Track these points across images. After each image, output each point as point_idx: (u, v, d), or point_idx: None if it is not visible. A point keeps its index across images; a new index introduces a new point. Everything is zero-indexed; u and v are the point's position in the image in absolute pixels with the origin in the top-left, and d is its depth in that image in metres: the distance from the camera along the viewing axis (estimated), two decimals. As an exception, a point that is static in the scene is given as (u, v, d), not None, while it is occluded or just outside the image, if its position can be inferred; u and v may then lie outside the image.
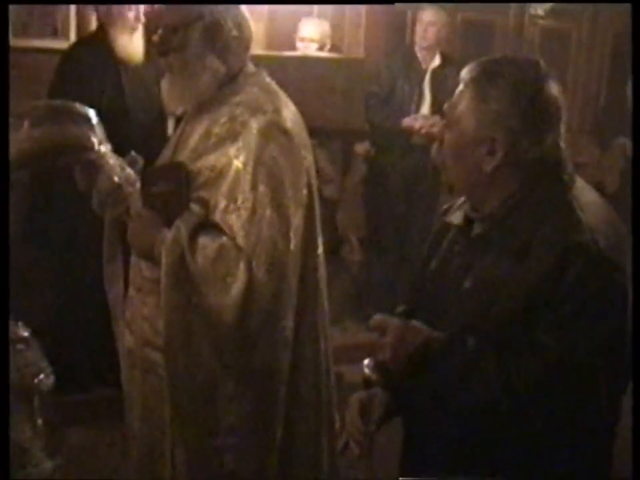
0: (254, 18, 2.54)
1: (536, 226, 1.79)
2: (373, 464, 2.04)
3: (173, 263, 2.31)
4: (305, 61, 4.19)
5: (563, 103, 1.84)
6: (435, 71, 5.44)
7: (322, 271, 2.60)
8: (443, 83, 5.30)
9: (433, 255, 2.06)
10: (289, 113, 2.46)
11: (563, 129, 1.84)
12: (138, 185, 2.46)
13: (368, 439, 2.02)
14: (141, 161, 2.62)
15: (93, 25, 4.69)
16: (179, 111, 2.59)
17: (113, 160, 2.52)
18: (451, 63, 5.39)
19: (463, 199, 2.03)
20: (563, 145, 1.85)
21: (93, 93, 3.94)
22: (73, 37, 4.92)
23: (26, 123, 2.43)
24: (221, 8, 2.43)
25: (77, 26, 4.98)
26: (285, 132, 2.39)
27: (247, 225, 2.30)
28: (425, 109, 5.42)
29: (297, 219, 2.38)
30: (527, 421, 1.76)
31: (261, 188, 2.31)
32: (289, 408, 2.49)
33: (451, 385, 1.82)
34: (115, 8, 4.11)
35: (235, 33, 2.44)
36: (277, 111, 2.41)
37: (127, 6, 4.09)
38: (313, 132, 2.69)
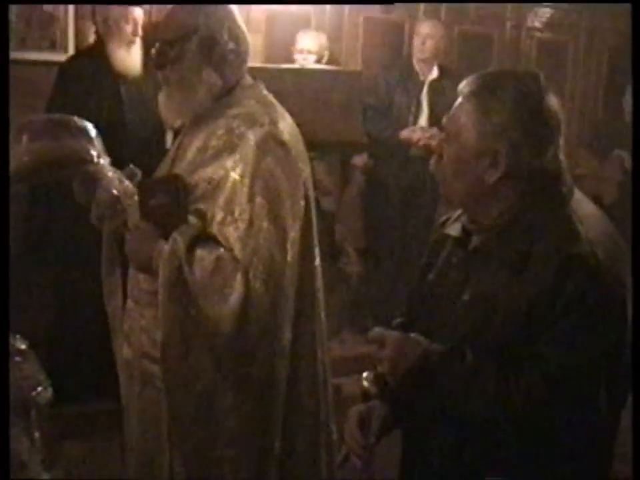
0: (252, 30, 2.56)
1: (534, 238, 1.79)
2: (373, 476, 2.04)
3: (170, 275, 2.31)
4: (303, 73, 4.19)
5: (562, 116, 1.85)
6: (432, 83, 5.46)
7: (319, 282, 2.61)
8: (440, 95, 5.32)
9: (431, 266, 2.06)
10: (286, 125, 2.47)
11: (562, 141, 1.85)
12: (136, 197, 2.46)
13: (368, 452, 2.02)
14: (139, 174, 2.63)
15: (91, 38, 4.71)
16: (177, 123, 2.60)
17: (111, 173, 2.52)
18: (448, 75, 5.41)
19: (460, 210, 2.04)
20: (562, 157, 1.86)
21: (92, 106, 3.95)
22: (71, 49, 4.93)
23: (25, 137, 2.43)
24: (217, 21, 2.44)
25: (75, 39, 4.99)
26: (282, 144, 2.39)
27: (244, 237, 2.30)
28: (423, 120, 5.44)
29: (293, 231, 2.38)
30: (526, 433, 1.76)
31: (258, 200, 2.32)
32: (287, 419, 2.48)
33: (450, 398, 1.82)
34: (113, 21, 4.12)
35: (231, 46, 2.45)
36: (274, 123, 2.42)
37: (124, 19, 4.11)
38: (311, 144, 2.70)
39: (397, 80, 5.45)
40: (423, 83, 5.46)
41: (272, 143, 2.37)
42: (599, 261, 1.74)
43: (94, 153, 2.51)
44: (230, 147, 2.37)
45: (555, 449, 1.76)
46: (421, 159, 5.14)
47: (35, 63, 4.74)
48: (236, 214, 2.31)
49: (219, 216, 2.33)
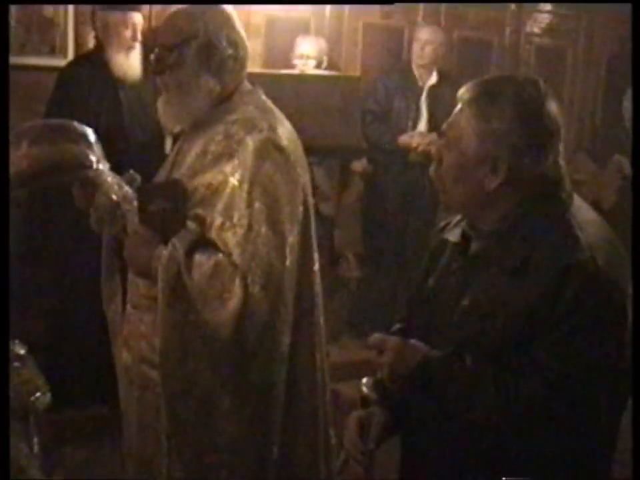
0: (251, 35, 2.56)
1: (534, 244, 1.79)
2: None
3: (169, 280, 2.31)
4: (302, 78, 4.20)
5: (562, 122, 1.85)
6: (431, 89, 5.47)
7: (318, 288, 2.61)
8: (439, 101, 5.33)
9: (430, 272, 2.06)
10: (285, 130, 2.47)
11: (561, 147, 1.85)
12: (135, 202, 2.46)
13: (367, 458, 2.02)
14: (138, 179, 2.63)
15: (91, 43, 4.71)
16: (176, 129, 2.61)
17: (110, 178, 2.52)
18: (447, 81, 5.42)
19: (460, 216, 2.04)
20: (562, 162, 1.86)
21: (91, 111, 3.96)
22: (70, 54, 4.93)
23: (24, 142, 2.43)
24: (215, 27, 2.44)
25: (75, 44, 5.00)
26: (281, 150, 2.40)
27: (242, 242, 2.30)
28: (422, 126, 5.45)
29: (292, 236, 2.39)
30: (526, 438, 1.76)
31: (257, 205, 2.32)
32: (285, 424, 2.48)
33: (449, 404, 1.82)
34: (112, 26, 4.13)
35: (230, 51, 2.45)
36: (273, 128, 2.42)
37: (123, 24, 4.11)
38: (310, 150, 2.70)
39: (396, 85, 5.45)
40: (422, 89, 5.47)
41: (270, 148, 2.38)
42: (599, 266, 1.74)
43: (93, 158, 2.51)
44: (229, 153, 2.37)
45: (554, 454, 1.76)
46: (419, 164, 5.15)
47: (34, 68, 4.74)
48: (235, 219, 2.31)
49: (218, 221, 2.33)
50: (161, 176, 2.61)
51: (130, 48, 4.14)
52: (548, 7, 6.64)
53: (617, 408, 1.83)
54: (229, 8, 2.55)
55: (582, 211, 1.88)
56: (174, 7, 2.57)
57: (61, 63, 4.63)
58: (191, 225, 2.36)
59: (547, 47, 6.72)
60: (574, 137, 6.46)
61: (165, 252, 2.32)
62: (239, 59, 2.49)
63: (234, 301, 2.28)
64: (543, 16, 6.66)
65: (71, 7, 4.93)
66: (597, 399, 1.75)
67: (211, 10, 2.48)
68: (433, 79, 5.49)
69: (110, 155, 2.62)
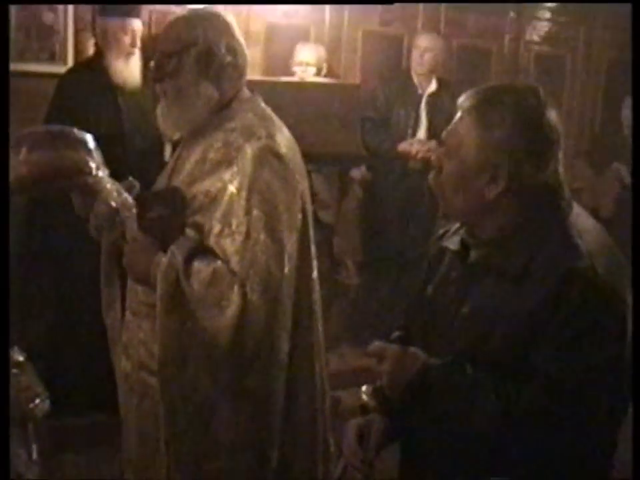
0: (251, 43, 2.57)
1: (534, 252, 1.79)
2: None
3: (168, 287, 2.31)
4: (301, 86, 4.21)
5: (561, 130, 1.85)
6: (431, 96, 5.47)
7: (317, 295, 2.61)
8: (439, 108, 5.34)
9: (430, 280, 2.06)
10: (283, 138, 2.47)
11: (561, 155, 1.85)
12: (134, 209, 2.47)
13: (367, 465, 2.01)
14: (137, 186, 2.63)
15: (91, 50, 4.72)
16: (175, 136, 2.61)
17: (110, 185, 2.53)
18: (447, 88, 5.43)
19: (459, 224, 2.04)
20: (561, 170, 1.86)
21: (90, 118, 3.95)
22: (70, 61, 4.94)
23: (24, 148, 2.43)
24: (214, 34, 2.44)
25: (75, 51, 5.01)
26: (279, 157, 2.40)
27: (240, 250, 2.30)
28: (422, 133, 5.45)
29: (290, 244, 2.39)
30: (526, 446, 1.76)
31: (255, 213, 2.32)
32: (284, 431, 2.48)
33: (449, 412, 1.82)
34: (111, 32, 4.13)
35: (229, 59, 2.46)
36: (271, 136, 2.42)
37: (122, 30, 4.12)
38: (309, 157, 2.70)
39: (395, 93, 5.46)
40: (421, 96, 5.48)
41: (269, 156, 2.38)
42: (598, 274, 1.74)
43: (93, 164, 2.51)
44: (227, 160, 2.37)
45: (554, 460, 1.76)
46: (419, 171, 5.16)
47: (34, 74, 4.75)
48: (233, 226, 2.32)
49: (216, 228, 2.33)
50: (160, 183, 2.61)
51: (129, 54, 4.15)
52: (547, 14, 6.66)
53: (617, 415, 1.83)
54: (228, 15, 2.56)
55: (581, 219, 1.88)
56: (174, 14, 2.57)
57: (61, 69, 4.64)
58: (189, 232, 2.36)
59: (546, 54, 6.73)
60: (573, 145, 6.46)
61: (163, 259, 2.32)
62: (238, 67, 2.49)
63: (232, 308, 2.28)
64: (542, 24, 6.68)
65: (70, 14, 4.94)
66: (597, 406, 1.74)
67: (210, 17, 2.49)
68: (433, 86, 5.50)
69: (109, 161, 2.62)
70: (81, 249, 3.67)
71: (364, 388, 2.02)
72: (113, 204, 2.51)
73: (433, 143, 5.17)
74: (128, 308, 2.58)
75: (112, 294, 2.66)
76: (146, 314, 2.46)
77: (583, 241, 1.79)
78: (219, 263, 2.30)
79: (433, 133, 5.29)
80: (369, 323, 5.36)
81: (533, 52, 6.68)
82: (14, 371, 2.15)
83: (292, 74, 5.16)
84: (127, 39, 4.13)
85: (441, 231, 2.15)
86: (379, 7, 5.93)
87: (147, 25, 5.00)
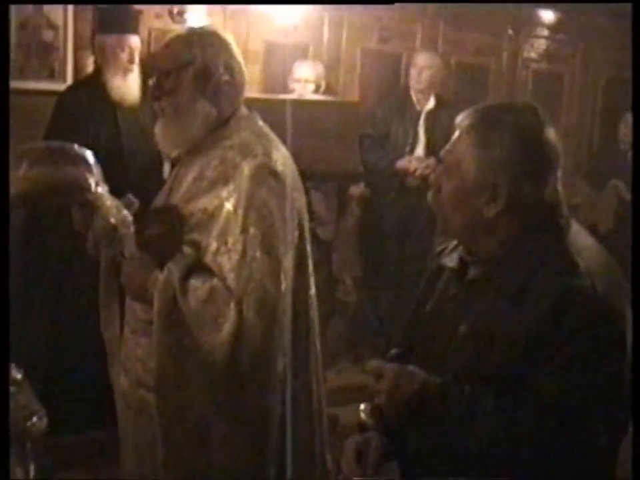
0: (249, 60, 2.58)
1: (532, 270, 1.79)
2: None
3: (164, 304, 2.32)
4: (300, 104, 4.21)
5: (560, 148, 1.86)
6: (429, 113, 5.49)
7: (314, 312, 2.61)
8: (437, 125, 5.36)
9: (427, 297, 2.06)
10: (280, 155, 2.48)
11: (560, 173, 1.86)
12: (132, 227, 2.47)
13: (365, 483, 2.00)
14: (136, 203, 2.63)
15: (90, 67, 4.74)
16: (173, 154, 2.61)
17: (109, 201, 2.53)
18: (445, 105, 5.45)
19: (457, 241, 2.04)
20: (559, 188, 1.86)
21: (89, 135, 3.96)
22: (69, 79, 4.96)
23: (24, 164, 2.44)
24: (212, 53, 2.46)
25: (74, 68, 5.03)
26: (276, 175, 2.40)
27: (237, 267, 2.31)
28: (420, 150, 5.47)
29: (287, 261, 2.39)
30: (525, 464, 1.75)
31: (252, 230, 2.33)
32: (281, 448, 2.48)
33: (448, 430, 1.81)
34: (109, 49, 4.15)
35: (226, 77, 2.47)
36: (268, 154, 2.43)
37: (120, 47, 4.13)
38: (307, 174, 2.71)
39: (393, 110, 5.48)
40: (419, 113, 5.50)
41: (266, 173, 2.38)
42: (598, 292, 1.73)
43: (92, 181, 2.51)
44: (224, 178, 2.38)
45: (555, 479, 1.75)
46: (417, 189, 5.16)
47: (33, 92, 4.76)
48: (229, 244, 2.32)
49: (213, 246, 2.34)
50: (158, 201, 2.61)
51: (127, 71, 4.15)
52: (545, 32, 6.69)
53: (616, 433, 1.82)
54: (227, 34, 2.57)
55: (580, 237, 1.88)
56: (173, 32, 2.59)
57: (60, 87, 4.65)
58: (187, 249, 2.37)
59: (544, 71, 6.76)
60: (571, 162, 6.48)
61: (160, 276, 2.33)
62: (236, 85, 2.50)
63: (228, 325, 2.28)
64: (540, 41, 6.71)
65: (70, 32, 4.97)
66: (596, 424, 1.74)
67: (208, 36, 2.50)
68: (431, 103, 5.52)
69: (108, 178, 2.63)
70: (80, 264, 3.67)
71: (362, 406, 2.01)
72: (112, 220, 2.51)
73: (431, 160, 5.18)
74: (126, 325, 2.58)
75: (110, 310, 2.66)
76: (144, 331, 2.46)
77: (582, 259, 1.79)
78: (216, 280, 2.31)
79: (431, 150, 5.30)
80: (367, 339, 5.36)
81: (531, 69, 6.70)
82: (11, 388, 2.14)
83: (291, 91, 5.18)
84: (124, 55, 4.14)
85: (439, 248, 2.14)
86: (378, 24, 5.96)
87: (146, 42, 5.03)
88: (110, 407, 2.71)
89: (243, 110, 2.55)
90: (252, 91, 4.16)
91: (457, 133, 1.90)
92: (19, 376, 2.16)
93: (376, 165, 5.29)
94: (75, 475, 3.79)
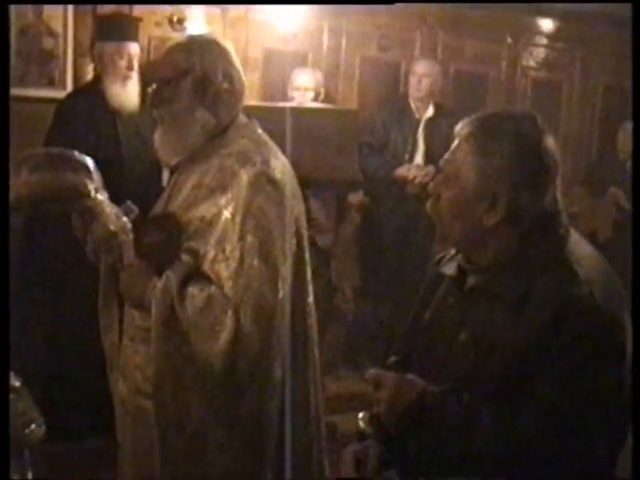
0: (249, 68, 2.58)
1: (532, 279, 1.79)
2: None
3: (162, 312, 2.32)
4: (299, 111, 4.22)
5: (559, 157, 1.86)
6: (428, 121, 5.49)
7: (312, 320, 2.61)
8: (436, 133, 5.36)
9: (426, 305, 2.06)
10: (278, 163, 2.48)
11: (558, 181, 1.86)
12: (132, 234, 2.47)
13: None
14: (136, 210, 2.63)
15: (90, 75, 4.75)
16: (172, 162, 2.61)
17: (109, 208, 2.53)
18: (444, 114, 5.46)
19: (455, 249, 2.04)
20: (558, 196, 1.86)
21: (88, 142, 3.97)
22: (69, 86, 4.97)
23: (24, 169, 2.44)
24: (211, 61, 2.46)
25: (74, 76, 5.04)
26: (274, 183, 2.41)
27: (234, 275, 2.31)
28: (419, 158, 5.47)
29: (285, 269, 2.39)
30: (524, 473, 1.75)
31: (249, 238, 2.33)
32: (278, 456, 2.47)
33: (447, 439, 1.81)
34: (107, 56, 4.16)
35: (225, 85, 2.47)
36: (266, 162, 2.43)
37: (118, 54, 4.14)
38: (306, 182, 2.71)
39: (393, 118, 5.49)
40: (418, 121, 5.50)
41: (264, 181, 2.39)
42: (597, 301, 1.73)
43: (92, 187, 2.51)
44: (223, 186, 2.38)
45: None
46: (416, 197, 5.16)
47: (33, 99, 4.77)
48: (227, 252, 2.33)
49: (211, 254, 2.34)
50: (157, 208, 2.62)
51: (126, 78, 4.16)
52: (544, 40, 6.70)
53: (616, 442, 1.82)
54: (226, 42, 2.58)
55: (579, 245, 1.88)
56: (172, 40, 2.59)
57: (60, 94, 4.66)
58: (185, 257, 2.37)
59: (543, 80, 6.76)
60: (570, 170, 6.49)
61: (158, 284, 2.34)
62: (235, 93, 2.51)
63: (225, 333, 2.28)
64: (539, 50, 6.72)
65: (70, 40, 4.98)
66: (595, 432, 1.73)
67: (207, 44, 2.51)
68: (430, 111, 5.52)
69: (107, 185, 2.63)
70: (79, 271, 3.66)
71: (361, 415, 2.01)
72: (111, 227, 2.51)
73: (430, 168, 5.19)
74: (125, 332, 2.58)
75: (110, 316, 2.66)
76: (142, 338, 2.46)
77: (582, 268, 1.79)
78: (213, 288, 2.31)
79: (430, 158, 5.31)
80: (366, 347, 5.36)
81: (530, 77, 6.71)
82: (10, 396, 2.14)
83: (290, 99, 5.19)
84: (123, 63, 4.15)
85: (438, 256, 2.14)
86: (377, 33, 5.97)
87: (146, 50, 5.04)
88: (109, 414, 2.71)
89: (242, 118, 2.55)
90: (251, 99, 4.18)
91: (456, 142, 1.90)
92: (17, 383, 2.15)
93: (375, 173, 5.30)
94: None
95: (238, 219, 2.33)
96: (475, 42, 6.35)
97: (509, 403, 1.75)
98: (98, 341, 2.70)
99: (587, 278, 1.77)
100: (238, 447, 2.39)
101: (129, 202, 2.65)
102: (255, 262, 2.32)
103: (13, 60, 4.70)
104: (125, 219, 2.54)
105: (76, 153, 2.57)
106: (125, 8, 5.06)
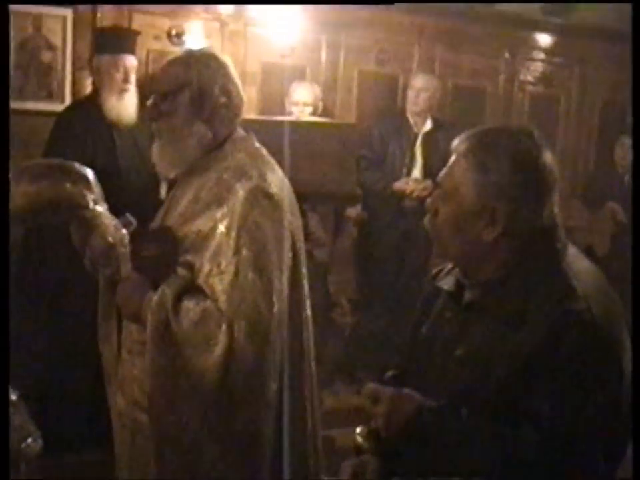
0: (247, 82, 2.59)
1: (530, 294, 1.79)
2: None
3: (157, 325, 2.32)
4: (297, 125, 4.23)
5: (557, 171, 1.86)
6: (426, 135, 5.51)
7: (309, 334, 2.61)
8: (434, 147, 5.37)
9: (424, 319, 2.05)
10: (275, 177, 2.49)
11: (556, 195, 1.86)
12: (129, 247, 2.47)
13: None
14: (134, 223, 2.63)
15: (88, 88, 4.75)
16: (170, 175, 2.62)
17: (108, 220, 2.53)
18: (442, 128, 5.47)
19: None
20: (556, 211, 1.86)
21: (87, 155, 3.97)
22: (68, 99, 4.98)
23: (24, 180, 2.45)
24: (209, 76, 2.47)
25: (72, 89, 5.05)
26: (270, 197, 2.41)
27: (228, 289, 2.31)
28: (417, 172, 5.48)
29: (280, 283, 2.39)
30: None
31: (244, 252, 2.33)
32: (274, 471, 2.47)
33: (445, 454, 1.80)
34: (104, 69, 4.17)
35: (222, 100, 2.48)
36: (262, 176, 2.43)
37: (114, 67, 4.15)
38: (304, 196, 2.71)
39: (391, 132, 5.50)
40: (416, 135, 5.51)
41: (259, 195, 2.39)
42: (595, 317, 1.73)
43: (90, 198, 2.51)
44: (219, 200, 2.39)
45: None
46: (414, 210, 5.17)
47: (32, 112, 4.78)
48: (222, 266, 2.33)
49: (206, 268, 2.35)
50: (156, 222, 2.62)
51: (122, 91, 4.17)
52: (541, 55, 6.72)
53: (614, 457, 1.81)
54: (225, 56, 2.59)
55: (577, 260, 1.88)
56: (171, 53, 2.60)
57: (59, 107, 4.67)
58: (181, 271, 2.37)
59: (541, 94, 6.78)
60: (567, 184, 6.49)
61: (154, 297, 2.33)
62: (233, 107, 2.51)
63: (219, 347, 2.28)
64: (536, 64, 6.74)
65: (69, 53, 4.99)
66: (594, 448, 1.73)
67: (205, 59, 2.52)
68: (428, 125, 5.54)
69: (105, 198, 2.63)
70: (77, 282, 3.66)
71: (358, 430, 2.00)
72: (110, 239, 2.51)
73: (428, 182, 5.20)
74: (123, 345, 2.58)
75: (109, 327, 2.65)
76: (139, 352, 2.46)
77: (580, 283, 1.79)
78: (208, 302, 2.31)
79: (428, 172, 5.32)
80: (363, 361, 5.35)
81: (527, 92, 6.73)
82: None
83: (288, 114, 5.19)
84: (119, 75, 4.16)
85: (435, 270, 2.14)
86: (375, 47, 5.99)
87: (144, 63, 5.05)
88: (106, 427, 2.70)
89: (240, 132, 2.56)
90: (249, 112, 4.17)
91: (453, 157, 1.90)
92: (14, 397, 2.15)
93: (373, 186, 5.31)
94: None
95: (233, 233, 2.34)
96: (473, 56, 6.37)
97: (506, 418, 1.75)
98: (95, 354, 2.70)
99: (585, 293, 1.77)
100: (233, 460, 2.39)
101: (127, 214, 2.65)
102: (250, 276, 2.32)
103: (12, 73, 4.71)
104: (124, 231, 2.54)
105: (76, 164, 2.58)
106: (124, 21, 5.09)
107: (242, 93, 2.54)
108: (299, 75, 5.64)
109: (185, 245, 2.38)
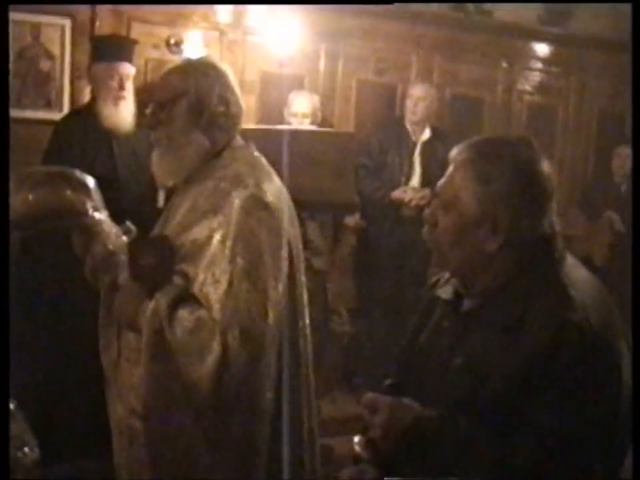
0: (246, 91, 2.59)
1: (528, 303, 1.79)
2: None
3: (152, 334, 2.32)
4: (295, 134, 4.24)
5: (555, 180, 1.86)
6: (424, 144, 5.52)
7: (307, 342, 2.60)
8: (432, 156, 5.38)
9: (422, 328, 2.05)
10: (272, 186, 2.48)
11: (554, 205, 1.86)
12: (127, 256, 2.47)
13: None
14: (134, 231, 2.64)
15: (87, 97, 4.76)
16: (169, 183, 2.62)
17: (108, 227, 2.53)
18: (440, 137, 5.48)
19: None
20: (555, 220, 1.87)
21: (85, 163, 3.96)
22: (66, 108, 4.99)
23: (25, 187, 2.45)
24: (207, 85, 2.47)
25: (71, 98, 5.06)
26: (266, 206, 2.40)
27: (223, 298, 2.30)
28: (415, 181, 5.49)
29: (276, 292, 2.38)
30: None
31: (239, 261, 2.32)
32: (270, 478, 2.46)
33: (443, 463, 1.80)
34: (100, 76, 4.17)
35: (221, 109, 2.48)
36: (259, 184, 2.43)
37: (109, 76, 4.15)
38: (303, 205, 2.71)
39: (389, 141, 5.50)
40: (415, 144, 5.52)
41: (255, 204, 2.38)
42: (593, 326, 1.73)
43: (90, 206, 2.51)
44: (215, 208, 2.38)
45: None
46: (412, 219, 5.17)
47: (30, 121, 4.78)
48: (217, 275, 2.32)
49: (201, 277, 2.34)
50: (155, 230, 2.62)
51: (118, 98, 4.17)
52: (539, 65, 6.74)
53: (613, 467, 1.81)
54: (224, 65, 2.59)
55: (575, 269, 1.88)
56: (169, 62, 2.61)
57: (57, 116, 4.68)
58: (177, 280, 2.37)
59: (538, 104, 6.80)
60: (565, 194, 6.51)
61: (149, 306, 2.33)
62: (231, 116, 2.51)
63: (213, 356, 2.27)
64: (534, 74, 6.76)
65: (67, 62, 5.00)
66: (592, 458, 1.73)
67: (204, 67, 2.52)
68: (426, 134, 5.54)
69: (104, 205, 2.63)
70: (76, 290, 3.65)
71: (356, 439, 2.00)
72: (110, 247, 2.51)
73: (426, 191, 5.21)
74: (122, 353, 2.58)
75: (109, 335, 2.64)
76: (136, 360, 2.45)
77: (578, 293, 1.79)
78: (203, 311, 2.31)
79: (426, 181, 5.33)
80: (361, 369, 5.35)
81: (525, 101, 6.74)
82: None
83: (287, 123, 5.19)
84: (114, 83, 4.16)
85: (433, 279, 2.14)
86: (373, 56, 6.01)
87: (143, 72, 5.07)
88: (105, 436, 2.70)
89: (239, 140, 2.56)
90: (248, 122, 4.18)
91: (451, 167, 1.90)
92: (11, 406, 2.14)
93: (371, 195, 5.31)
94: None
95: (228, 242, 2.33)
96: (471, 66, 6.40)
97: (505, 428, 1.74)
98: (94, 362, 2.70)
99: (583, 302, 1.77)
100: (228, 469, 2.38)
101: (128, 222, 2.65)
102: (244, 285, 2.31)
103: (11, 82, 4.71)
104: (124, 238, 2.55)
105: (76, 172, 2.58)
106: (123, 30, 5.10)
107: (241, 101, 2.54)
108: (298, 84, 5.65)
109: (182, 253, 2.38)
